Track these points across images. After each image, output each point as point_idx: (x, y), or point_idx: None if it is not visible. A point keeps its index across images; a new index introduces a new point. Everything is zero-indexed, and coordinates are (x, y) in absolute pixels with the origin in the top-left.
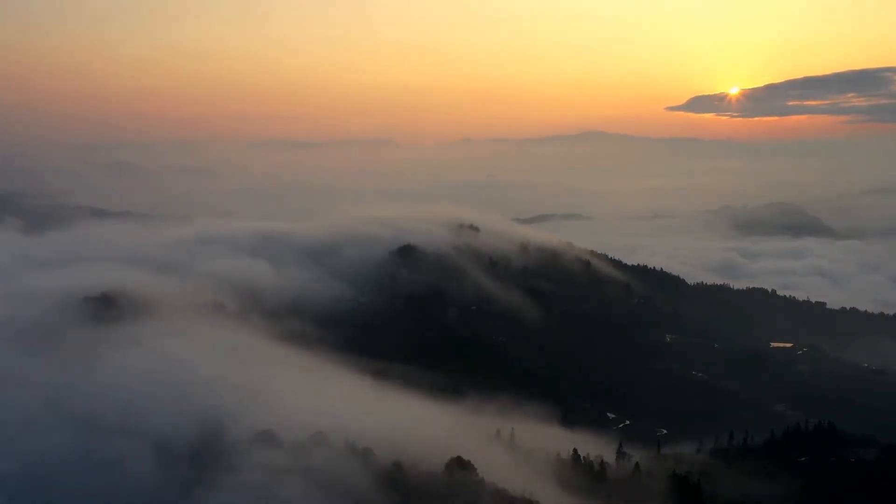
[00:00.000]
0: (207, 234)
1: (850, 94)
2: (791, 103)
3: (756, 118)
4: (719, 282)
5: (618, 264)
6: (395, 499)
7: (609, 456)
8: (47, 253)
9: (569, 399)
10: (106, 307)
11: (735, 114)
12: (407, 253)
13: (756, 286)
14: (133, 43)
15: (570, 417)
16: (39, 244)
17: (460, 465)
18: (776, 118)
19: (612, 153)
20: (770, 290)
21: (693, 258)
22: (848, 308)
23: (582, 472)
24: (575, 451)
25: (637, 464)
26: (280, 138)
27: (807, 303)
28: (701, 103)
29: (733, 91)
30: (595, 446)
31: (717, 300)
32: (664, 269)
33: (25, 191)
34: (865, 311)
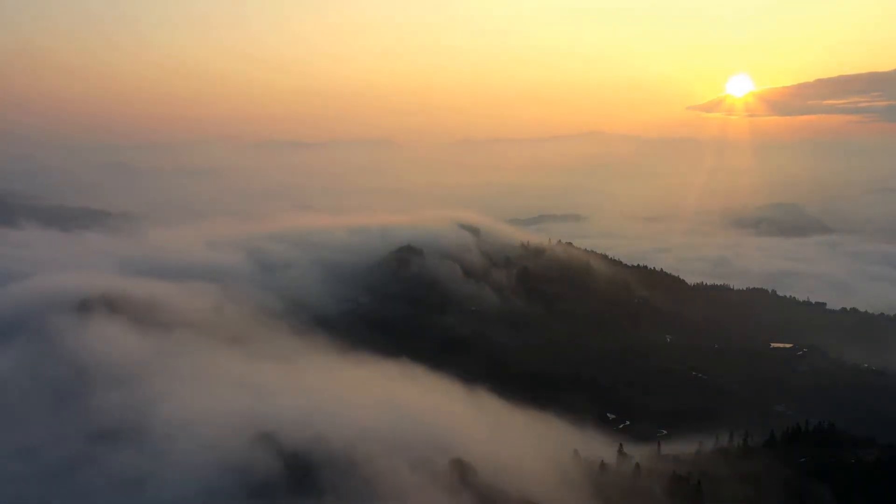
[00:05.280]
0: (207, 235)
1: (876, 93)
2: (810, 103)
3: (771, 118)
4: (719, 282)
5: (618, 264)
6: (396, 499)
7: (609, 456)
8: (48, 253)
9: (569, 399)
10: (106, 309)
11: (748, 114)
12: (407, 253)
13: (756, 286)
14: (133, 43)
15: (571, 418)
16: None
17: (461, 465)
18: (787, 118)
19: (613, 154)
20: (770, 291)
21: (693, 258)
22: (848, 308)
23: (582, 472)
24: (575, 451)
25: (637, 464)
26: (280, 138)
27: (807, 303)
28: (719, 104)
29: (751, 91)
30: (595, 446)
31: (717, 300)
32: (664, 270)
33: (25, 191)
34: (866, 311)
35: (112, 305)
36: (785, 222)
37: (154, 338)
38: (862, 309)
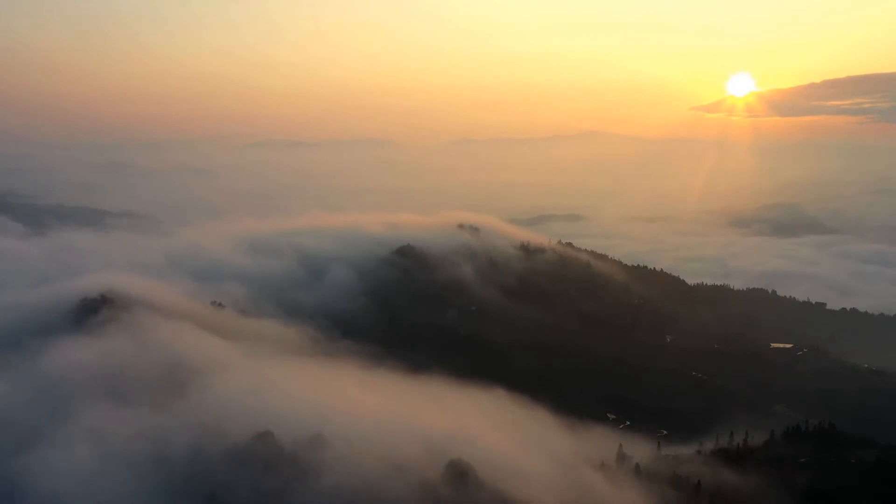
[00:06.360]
0: (207, 235)
1: (879, 94)
2: (813, 103)
3: (772, 118)
4: (719, 282)
5: (618, 264)
6: (395, 500)
7: (609, 456)
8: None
9: (569, 399)
10: (104, 309)
11: (749, 115)
12: (407, 253)
13: (756, 286)
14: (132, 43)
15: (570, 418)
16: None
17: (460, 466)
18: (789, 119)
19: (613, 154)
20: (770, 291)
21: (693, 258)
22: (848, 309)
23: (582, 472)
24: (575, 451)
25: (637, 464)
26: (280, 138)
27: (807, 303)
28: (721, 104)
29: (753, 91)
30: (595, 446)
31: (717, 300)
32: (664, 270)
33: (24, 191)
34: (866, 311)
35: (112, 303)
36: (785, 222)
37: (217, 339)
38: (862, 309)
